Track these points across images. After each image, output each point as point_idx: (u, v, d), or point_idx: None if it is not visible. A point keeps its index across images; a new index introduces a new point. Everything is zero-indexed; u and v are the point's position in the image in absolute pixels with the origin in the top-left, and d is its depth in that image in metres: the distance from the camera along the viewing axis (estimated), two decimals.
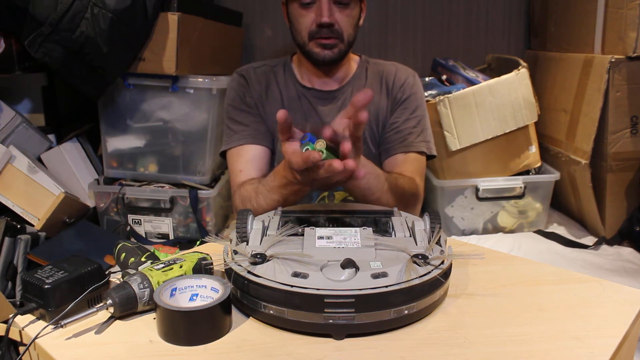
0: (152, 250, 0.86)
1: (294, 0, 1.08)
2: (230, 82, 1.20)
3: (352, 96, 1.13)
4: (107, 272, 0.73)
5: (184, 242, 1.89)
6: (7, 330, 0.66)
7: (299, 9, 1.07)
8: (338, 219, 0.83)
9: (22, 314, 0.67)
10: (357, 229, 0.76)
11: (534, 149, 1.99)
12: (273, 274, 0.64)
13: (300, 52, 1.14)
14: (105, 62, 1.64)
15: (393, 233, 0.77)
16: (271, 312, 0.64)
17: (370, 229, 0.77)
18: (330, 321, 0.62)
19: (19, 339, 0.67)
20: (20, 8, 1.57)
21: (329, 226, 0.82)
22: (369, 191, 0.96)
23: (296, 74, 1.19)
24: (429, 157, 1.18)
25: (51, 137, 1.90)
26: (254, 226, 0.76)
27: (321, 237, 0.73)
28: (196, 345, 0.61)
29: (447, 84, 2.03)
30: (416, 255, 0.68)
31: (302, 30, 1.08)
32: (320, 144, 0.75)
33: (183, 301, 0.66)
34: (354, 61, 1.19)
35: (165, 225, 1.91)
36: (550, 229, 2.00)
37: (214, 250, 0.80)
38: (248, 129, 1.13)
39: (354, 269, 0.64)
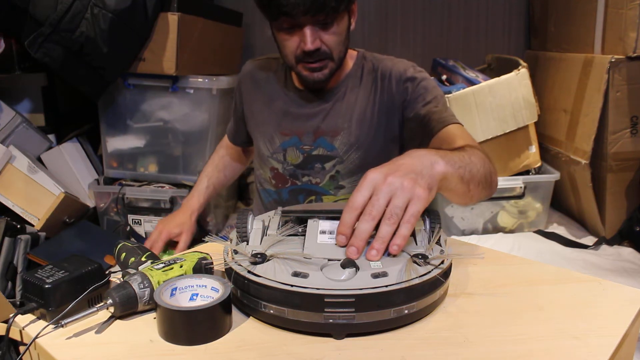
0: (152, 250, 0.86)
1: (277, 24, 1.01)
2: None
3: (345, 96, 1.11)
4: (107, 272, 0.73)
5: None
6: (8, 330, 0.66)
7: (283, 33, 1.01)
8: (338, 219, 0.83)
9: (22, 314, 0.67)
10: None
11: (534, 149, 1.99)
12: (273, 274, 0.64)
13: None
14: (105, 62, 1.64)
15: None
16: (271, 311, 0.64)
17: None
18: (330, 321, 0.62)
19: (19, 339, 0.67)
20: (20, 8, 1.58)
21: None
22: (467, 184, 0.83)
23: (290, 73, 1.18)
24: None
25: (51, 137, 1.90)
26: (254, 226, 0.76)
27: (323, 232, 0.74)
28: (196, 344, 0.61)
29: (447, 84, 2.03)
30: (416, 255, 0.67)
31: (289, 55, 1.04)
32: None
33: (183, 301, 0.66)
34: (350, 57, 1.13)
35: None
36: (550, 229, 2.00)
37: (214, 250, 0.80)
38: (231, 126, 1.35)
39: (354, 268, 0.64)
